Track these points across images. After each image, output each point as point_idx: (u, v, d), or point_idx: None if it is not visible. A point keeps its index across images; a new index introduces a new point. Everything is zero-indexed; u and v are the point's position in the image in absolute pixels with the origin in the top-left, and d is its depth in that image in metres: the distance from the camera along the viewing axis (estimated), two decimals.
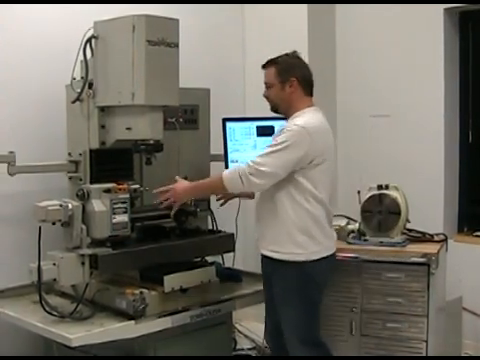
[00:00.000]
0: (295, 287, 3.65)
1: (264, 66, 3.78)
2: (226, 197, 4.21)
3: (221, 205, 4.28)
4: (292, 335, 3.70)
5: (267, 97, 3.78)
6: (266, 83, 3.76)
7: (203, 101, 4.63)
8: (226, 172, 3.61)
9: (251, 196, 4.02)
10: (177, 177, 3.83)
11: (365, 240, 4.34)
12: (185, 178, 3.90)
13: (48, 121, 4.39)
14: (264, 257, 3.77)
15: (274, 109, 3.79)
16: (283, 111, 3.76)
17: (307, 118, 3.62)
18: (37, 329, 3.66)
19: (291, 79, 3.70)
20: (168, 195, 3.75)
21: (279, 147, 3.51)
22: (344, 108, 5.66)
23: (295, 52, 3.82)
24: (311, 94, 3.79)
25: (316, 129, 3.59)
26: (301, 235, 3.60)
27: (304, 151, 3.52)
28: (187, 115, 4.50)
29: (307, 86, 3.76)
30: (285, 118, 3.78)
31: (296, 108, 3.70)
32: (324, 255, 3.67)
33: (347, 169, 5.55)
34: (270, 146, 3.57)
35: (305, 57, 5.10)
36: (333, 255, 3.81)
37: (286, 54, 3.79)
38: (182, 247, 4.04)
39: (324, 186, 3.66)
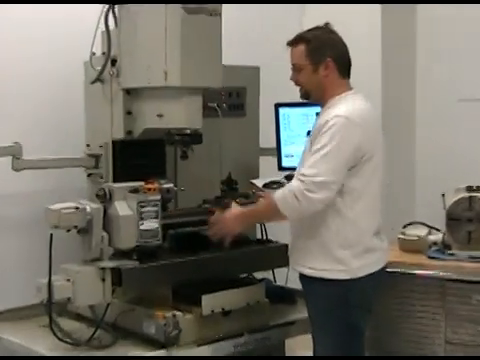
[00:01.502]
0: (333, 309, 3.38)
1: (291, 43, 3.47)
2: None
3: None
4: None
5: (295, 82, 3.48)
6: (294, 65, 3.44)
7: (252, 82, 4.46)
8: (277, 194, 3.32)
9: None
10: (233, 203, 3.67)
11: (451, 254, 4.04)
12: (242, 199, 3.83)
13: (62, 106, 4.26)
14: (300, 275, 3.56)
15: (306, 96, 3.52)
16: (316, 99, 3.48)
17: (349, 106, 3.33)
18: None
19: (326, 60, 3.38)
20: (218, 227, 3.54)
21: (326, 150, 3.21)
22: (424, 95, 5.36)
23: (328, 24, 3.49)
24: (349, 76, 3.47)
25: (362, 118, 3.30)
26: (341, 249, 3.34)
27: (354, 145, 3.24)
28: (232, 99, 4.33)
29: (344, 67, 3.44)
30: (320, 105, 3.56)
31: (331, 94, 3.41)
32: (370, 272, 3.39)
33: (428, 166, 5.29)
34: (315, 152, 3.26)
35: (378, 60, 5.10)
36: (382, 270, 3.51)
37: (317, 27, 3.47)
38: (224, 260, 3.79)
39: (374, 186, 3.40)
